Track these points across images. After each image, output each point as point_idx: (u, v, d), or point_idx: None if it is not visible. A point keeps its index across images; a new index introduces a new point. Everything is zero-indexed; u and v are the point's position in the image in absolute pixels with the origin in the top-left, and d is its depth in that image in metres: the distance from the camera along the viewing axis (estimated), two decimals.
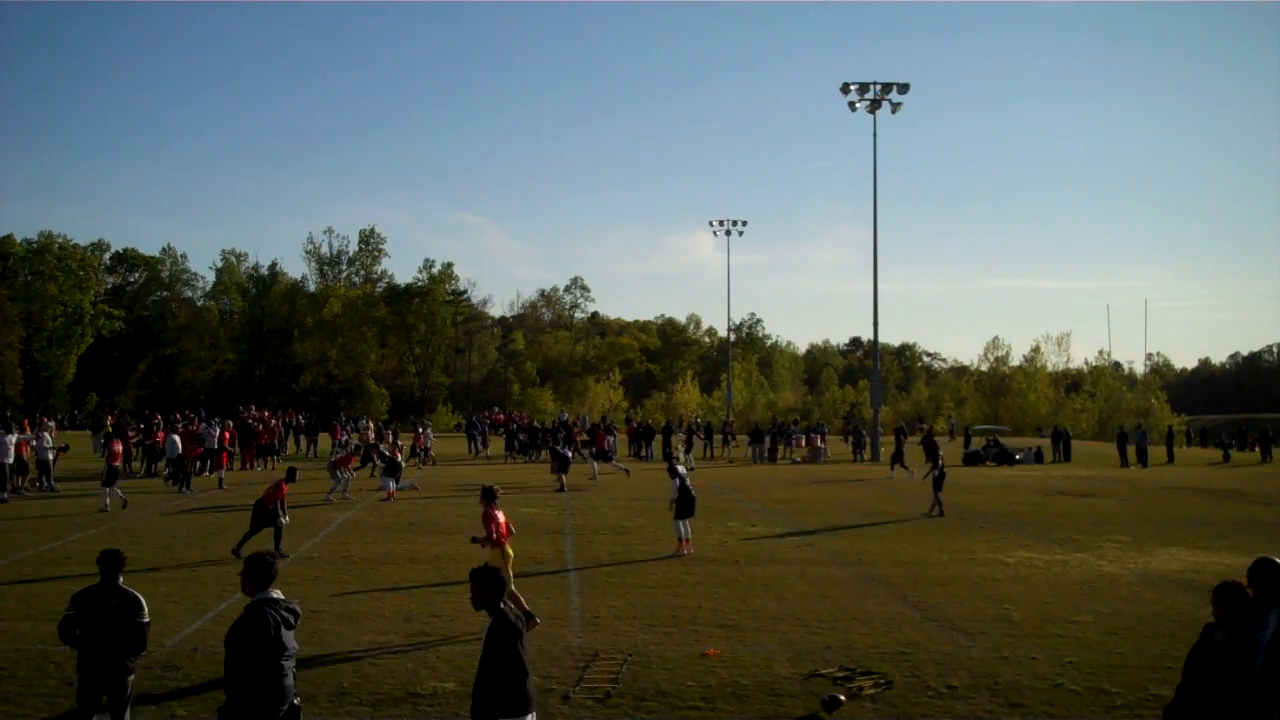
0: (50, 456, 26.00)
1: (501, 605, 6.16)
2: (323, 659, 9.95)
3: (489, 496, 12.11)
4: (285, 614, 6.30)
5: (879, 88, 45.06)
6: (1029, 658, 10.18)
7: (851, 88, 45.08)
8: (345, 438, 39.01)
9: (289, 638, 6.26)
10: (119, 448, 24.02)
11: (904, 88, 45.31)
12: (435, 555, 16.13)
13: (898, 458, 31.78)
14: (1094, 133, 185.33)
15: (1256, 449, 48.27)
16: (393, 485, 24.18)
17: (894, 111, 45.39)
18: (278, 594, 6.38)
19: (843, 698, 8.68)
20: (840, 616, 11.97)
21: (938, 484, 21.65)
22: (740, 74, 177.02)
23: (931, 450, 22.11)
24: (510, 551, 11.88)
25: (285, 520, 16.28)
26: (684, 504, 16.42)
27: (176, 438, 28.46)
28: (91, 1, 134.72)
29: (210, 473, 30.17)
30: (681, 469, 17.71)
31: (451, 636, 10.91)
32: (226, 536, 17.80)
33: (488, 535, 11.74)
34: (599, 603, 12.67)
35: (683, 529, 16.33)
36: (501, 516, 11.89)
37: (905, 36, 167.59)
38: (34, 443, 25.94)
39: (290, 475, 17.47)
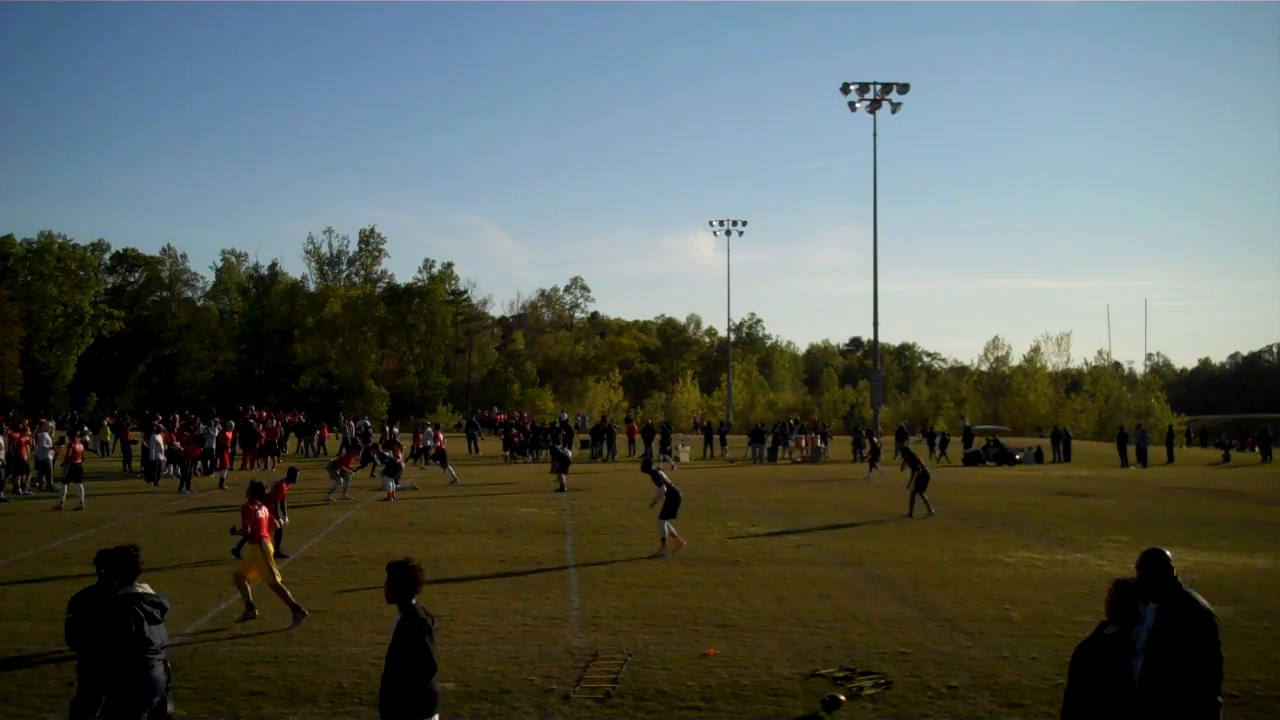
0: (50, 456, 26.01)
1: (414, 601, 6.13)
2: (323, 659, 9.95)
3: (255, 492, 12.25)
4: (150, 608, 6.31)
5: (879, 88, 45.11)
6: (1029, 658, 10.18)
7: (851, 88, 45.12)
8: (346, 437, 38.97)
9: (155, 631, 6.27)
10: (80, 446, 24.52)
11: (904, 88, 45.35)
12: (435, 555, 16.12)
13: (875, 458, 32.22)
14: (1094, 133, 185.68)
15: (1256, 449, 48.28)
16: (392, 485, 24.19)
17: (894, 111, 45.46)
18: (145, 588, 6.40)
19: (843, 698, 8.67)
20: (840, 616, 11.97)
21: (920, 486, 21.59)
22: (740, 74, 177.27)
23: (910, 460, 22.21)
24: (270, 547, 11.90)
25: (285, 521, 16.28)
26: (672, 505, 16.47)
27: (159, 438, 28.52)
28: (91, 1, 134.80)
29: (210, 473, 30.20)
30: (665, 473, 17.81)
31: (451, 636, 10.90)
32: (226, 537, 17.79)
33: (244, 529, 11.82)
34: (599, 603, 12.67)
35: (668, 528, 16.32)
36: (264, 513, 11.91)
37: (905, 36, 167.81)
38: (33, 443, 25.95)
39: (291, 476, 17.48)
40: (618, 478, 29.81)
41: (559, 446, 29.54)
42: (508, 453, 40.36)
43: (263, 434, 34.31)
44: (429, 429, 40.47)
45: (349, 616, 11.83)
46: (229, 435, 31.64)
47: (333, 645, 10.51)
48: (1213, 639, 5.32)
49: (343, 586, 13.65)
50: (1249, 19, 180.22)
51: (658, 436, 41.96)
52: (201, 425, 32.92)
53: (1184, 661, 5.21)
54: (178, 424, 33.91)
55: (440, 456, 32.55)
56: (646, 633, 11.15)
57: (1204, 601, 5.48)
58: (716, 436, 44.55)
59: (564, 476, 26.49)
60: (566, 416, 53.27)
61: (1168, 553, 5.65)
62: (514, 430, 42.06)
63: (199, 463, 30.75)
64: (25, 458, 25.34)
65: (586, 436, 44.92)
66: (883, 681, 9.28)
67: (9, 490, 24.43)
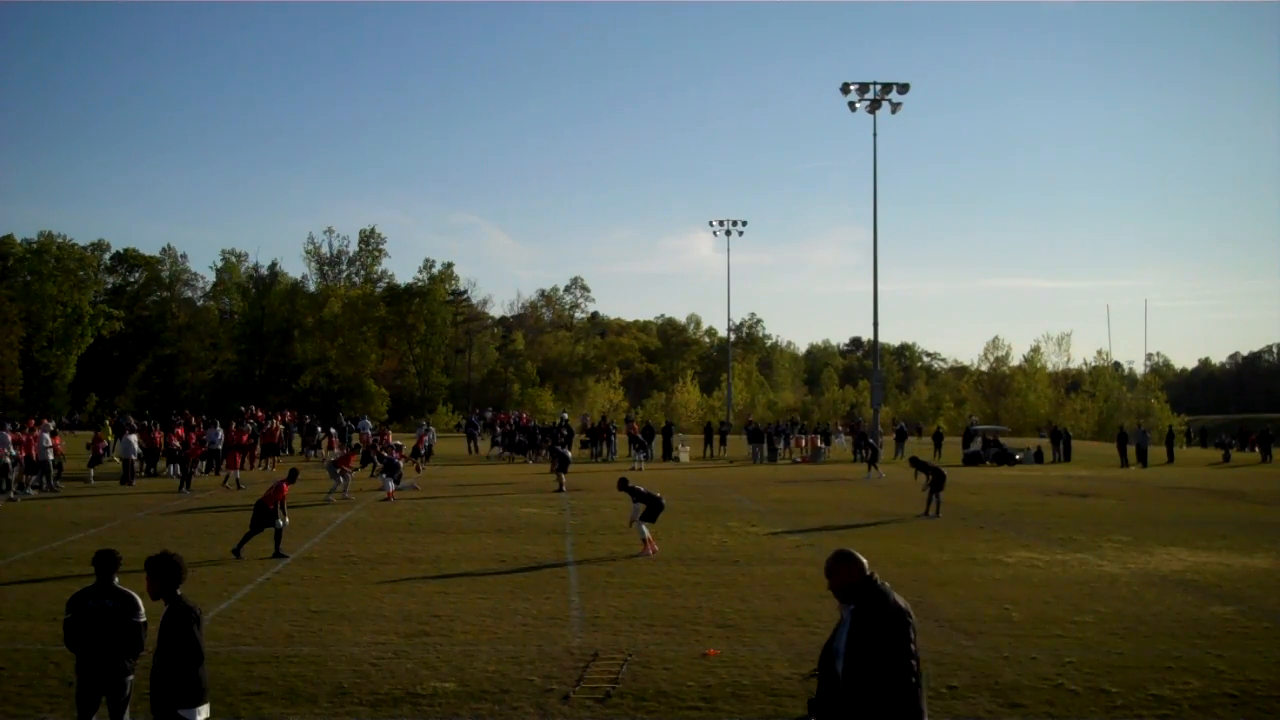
0: (50, 456, 26.01)
1: (179, 593, 6.18)
2: (323, 659, 9.95)
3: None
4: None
5: (879, 88, 45.09)
6: (1029, 658, 10.18)
7: (851, 88, 45.10)
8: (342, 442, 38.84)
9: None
10: (58, 441, 25.28)
11: (904, 88, 45.33)
12: (435, 555, 16.13)
13: (874, 459, 32.22)
14: (1094, 133, 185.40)
15: (1256, 449, 48.30)
16: (392, 485, 24.19)
17: (894, 111, 45.43)
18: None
19: None
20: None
21: (937, 487, 21.64)
22: (740, 74, 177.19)
23: (922, 467, 22.26)
24: None
25: (285, 522, 16.28)
26: (652, 510, 16.54)
27: (133, 439, 28.59)
28: (91, 1, 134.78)
29: (213, 473, 30.22)
30: (634, 480, 18.27)
31: (451, 636, 10.91)
32: (226, 536, 17.79)
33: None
34: (599, 603, 12.67)
35: (645, 531, 16.36)
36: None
37: (905, 36, 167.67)
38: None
39: (291, 476, 17.48)
40: (618, 478, 29.75)
41: (559, 446, 29.53)
42: (495, 447, 40.64)
43: (263, 434, 34.29)
44: (425, 428, 40.55)
45: (349, 616, 11.83)
46: (244, 436, 31.67)
47: (333, 645, 10.50)
48: (904, 637, 5.23)
49: (343, 586, 13.65)
50: (1249, 19, 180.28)
51: (658, 436, 42.05)
52: (204, 426, 32.92)
53: (878, 663, 5.18)
54: (193, 422, 33.80)
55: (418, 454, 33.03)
56: (646, 633, 11.15)
57: (898, 599, 5.39)
58: (716, 436, 44.56)
59: (564, 476, 26.50)
60: (567, 416, 53.21)
61: (855, 553, 5.58)
62: (504, 426, 42.14)
63: (200, 462, 30.77)
64: (34, 457, 25.37)
65: (586, 437, 44.92)
66: None
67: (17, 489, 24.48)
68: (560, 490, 25.63)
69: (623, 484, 17.54)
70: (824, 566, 5.69)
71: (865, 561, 5.55)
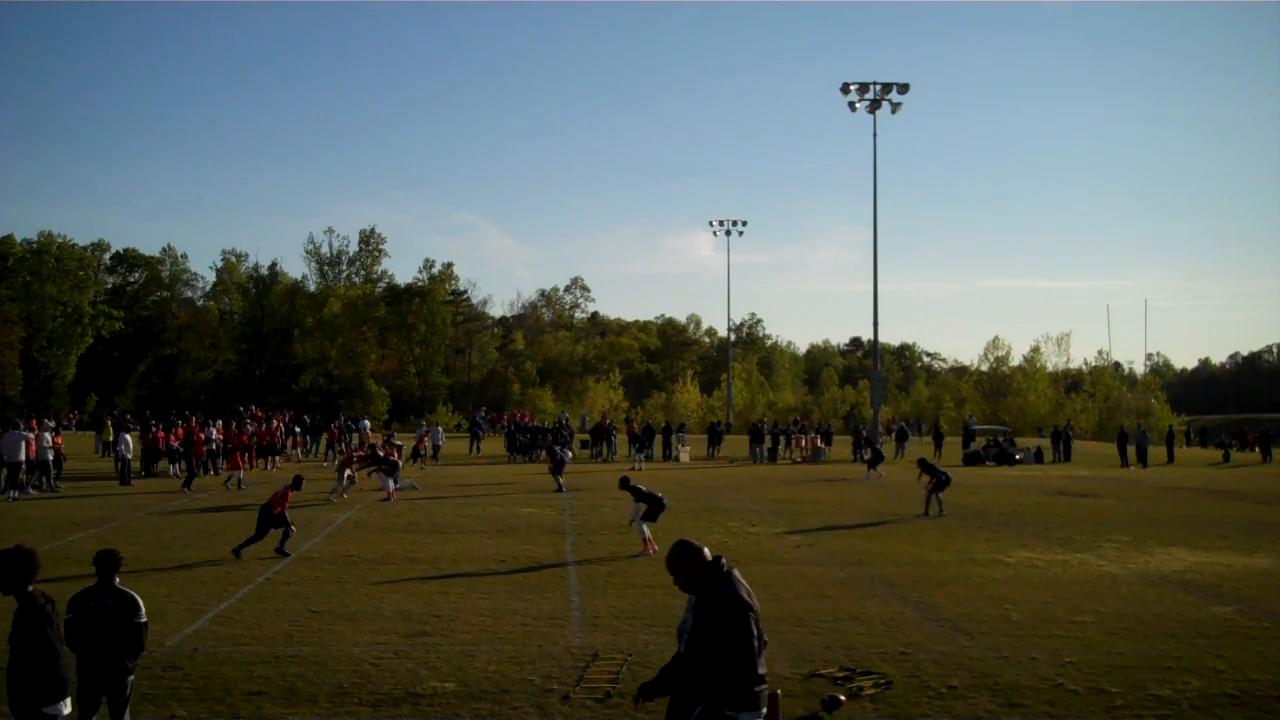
0: (50, 456, 26.01)
1: (30, 589, 6.11)
2: (323, 659, 9.95)
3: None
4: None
5: (879, 88, 45.11)
6: (1029, 658, 10.18)
7: (851, 88, 45.13)
8: (344, 440, 38.86)
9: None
10: (58, 441, 25.71)
11: (904, 88, 45.36)
12: (435, 555, 16.13)
13: (875, 461, 32.16)
14: (1093, 133, 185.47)
15: (1256, 449, 48.30)
16: (392, 485, 24.19)
17: (894, 111, 45.46)
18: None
19: (843, 698, 8.67)
20: (840, 616, 11.97)
21: (939, 488, 21.64)
22: (740, 74, 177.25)
23: (929, 470, 22.28)
24: None
25: (293, 529, 16.38)
26: (654, 510, 16.57)
27: (127, 438, 28.62)
28: (91, 1, 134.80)
29: (213, 473, 30.23)
30: (636, 479, 18.45)
31: (451, 636, 10.91)
32: (226, 536, 17.80)
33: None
34: (599, 603, 12.66)
35: (646, 531, 16.35)
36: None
37: (905, 36, 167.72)
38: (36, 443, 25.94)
39: (296, 483, 17.51)
40: (618, 478, 29.76)
41: (556, 446, 29.48)
42: (472, 441, 42.23)
43: (263, 434, 34.29)
44: (425, 428, 40.55)
45: (349, 616, 11.83)
46: (243, 437, 31.75)
47: (333, 645, 10.50)
48: (739, 628, 5.29)
49: (343, 586, 13.64)
50: (1249, 19, 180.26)
51: (658, 436, 42.06)
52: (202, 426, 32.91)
53: (713, 651, 5.29)
54: (194, 421, 33.78)
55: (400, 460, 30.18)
56: (646, 633, 11.14)
57: (739, 590, 5.42)
58: (717, 436, 44.61)
59: (560, 477, 26.39)
60: (568, 416, 53.23)
61: (694, 545, 5.59)
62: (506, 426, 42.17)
63: (201, 463, 30.77)
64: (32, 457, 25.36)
65: (586, 436, 44.94)
66: (883, 681, 9.28)
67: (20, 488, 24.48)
68: (559, 490, 25.61)
69: (624, 483, 17.55)
70: (665, 557, 5.71)
71: (706, 552, 5.57)
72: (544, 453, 30.76)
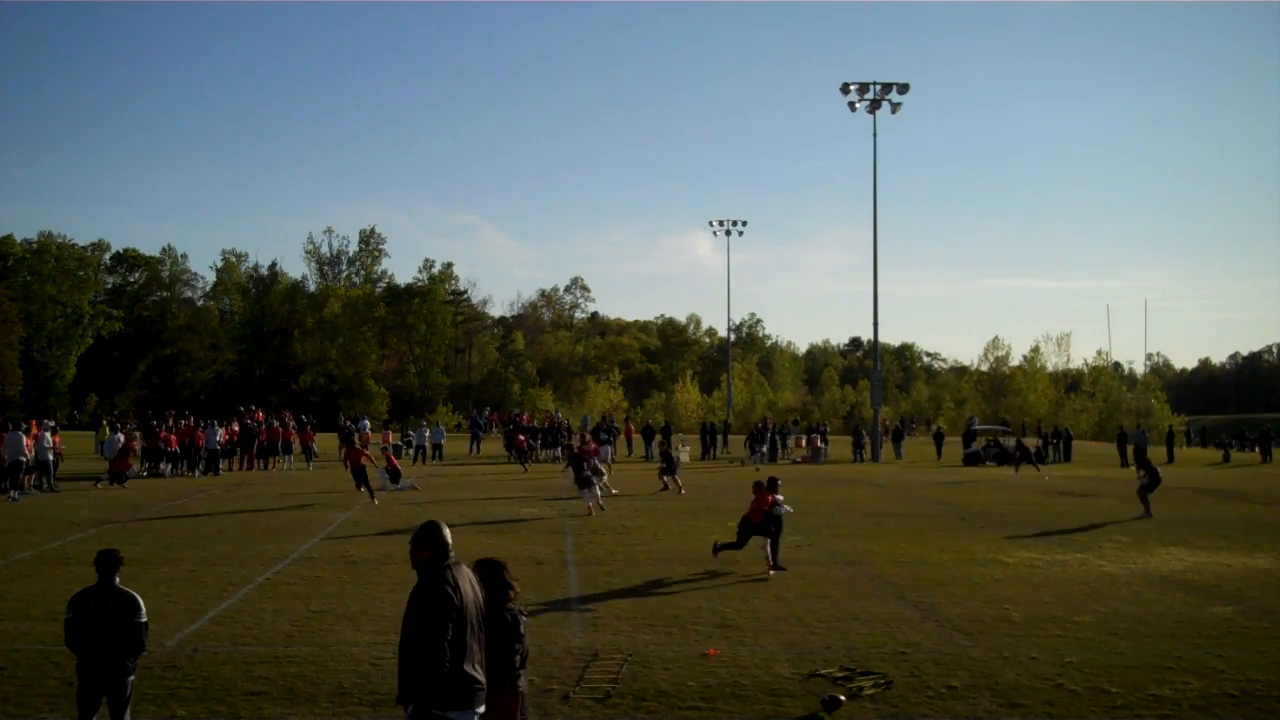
0: (50, 456, 26.01)
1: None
2: (323, 659, 9.95)
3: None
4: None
5: (879, 88, 45.09)
6: (1029, 658, 10.18)
7: (851, 88, 45.11)
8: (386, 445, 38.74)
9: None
10: (57, 441, 25.80)
11: (904, 88, 45.34)
12: None
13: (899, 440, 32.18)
14: (1093, 133, 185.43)
15: (1256, 449, 48.30)
16: (391, 485, 24.19)
17: (894, 111, 45.43)
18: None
19: (843, 698, 8.67)
20: (840, 616, 11.97)
21: (1149, 488, 21.83)
22: (740, 74, 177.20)
23: (1145, 465, 22.47)
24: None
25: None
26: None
27: (119, 437, 28.64)
28: (91, 1, 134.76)
29: (212, 473, 30.26)
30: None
31: None
32: (227, 536, 17.83)
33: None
34: (599, 603, 12.67)
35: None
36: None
37: (905, 36, 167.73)
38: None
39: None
40: (618, 478, 29.77)
41: (584, 458, 28.67)
42: (472, 442, 42.68)
43: (263, 434, 34.32)
44: (425, 428, 40.54)
45: (349, 616, 11.83)
46: (263, 434, 32.36)
47: (333, 645, 10.50)
48: (434, 620, 5.28)
49: (343, 587, 13.64)
50: (1249, 19, 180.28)
51: (658, 437, 42.05)
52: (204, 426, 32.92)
53: (412, 634, 5.34)
54: (189, 422, 33.82)
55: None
56: (646, 633, 11.14)
57: (447, 586, 5.40)
58: (719, 437, 44.66)
59: (590, 492, 22.30)
60: (561, 415, 53.07)
61: (435, 531, 5.59)
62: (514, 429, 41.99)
63: (202, 462, 30.83)
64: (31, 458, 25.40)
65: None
66: (883, 681, 9.28)
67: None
68: (589, 514, 21.26)
69: (771, 485, 15.59)
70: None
71: (443, 542, 5.55)
72: (567, 465, 25.46)
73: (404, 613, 5.46)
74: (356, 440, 20.21)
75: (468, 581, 5.56)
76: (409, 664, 5.34)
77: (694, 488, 27.86)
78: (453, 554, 5.56)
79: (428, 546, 5.54)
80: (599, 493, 21.80)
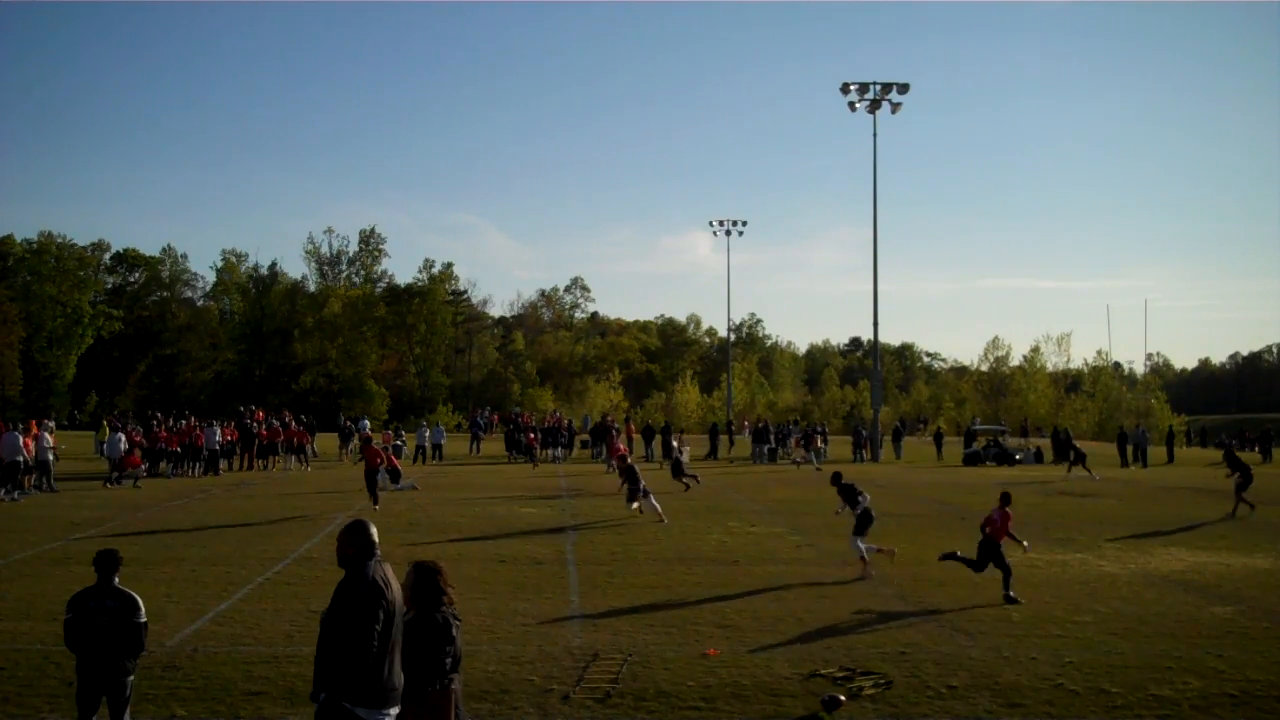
0: (50, 456, 26.00)
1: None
2: None
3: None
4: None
5: (879, 88, 45.09)
6: (1029, 658, 10.18)
7: (851, 88, 45.11)
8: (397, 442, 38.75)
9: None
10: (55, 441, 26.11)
11: (904, 88, 45.34)
12: (435, 555, 16.07)
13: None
14: (1093, 133, 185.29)
15: (1256, 449, 48.30)
16: (392, 485, 24.17)
17: (894, 111, 45.43)
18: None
19: (843, 698, 8.67)
20: (840, 616, 11.97)
21: (1242, 486, 22.04)
22: (740, 74, 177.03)
23: (1233, 461, 22.63)
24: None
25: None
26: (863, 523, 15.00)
27: (120, 436, 28.62)
28: (91, 1, 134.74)
29: (212, 473, 30.25)
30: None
31: None
32: (227, 536, 17.83)
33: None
34: (599, 603, 12.67)
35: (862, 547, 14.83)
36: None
37: (905, 36, 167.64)
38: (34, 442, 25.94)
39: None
40: (617, 477, 29.76)
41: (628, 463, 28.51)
42: (472, 441, 42.82)
43: (263, 434, 34.31)
44: (424, 429, 40.54)
45: None
46: (264, 433, 32.51)
47: None
48: (360, 615, 5.36)
49: None
50: (1249, 19, 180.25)
51: (658, 437, 42.06)
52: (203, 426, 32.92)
53: (335, 629, 5.39)
54: (189, 421, 33.83)
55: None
56: (646, 633, 11.15)
57: (364, 585, 5.48)
58: (724, 437, 44.69)
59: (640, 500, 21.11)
60: (561, 414, 53.05)
61: (361, 530, 5.69)
62: (514, 429, 42.01)
63: (200, 463, 30.81)
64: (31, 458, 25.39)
65: (586, 437, 44.94)
66: (883, 681, 9.28)
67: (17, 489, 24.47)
68: (660, 519, 20.12)
69: (836, 479, 15.47)
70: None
71: (370, 540, 5.64)
72: (621, 479, 21.97)
73: (327, 607, 5.51)
74: (375, 441, 19.91)
75: (391, 580, 5.64)
76: (328, 657, 5.39)
77: (693, 487, 27.85)
78: (378, 552, 5.65)
79: (354, 544, 5.64)
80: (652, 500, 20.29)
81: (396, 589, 5.61)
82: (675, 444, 35.93)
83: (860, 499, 14.93)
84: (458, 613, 6.14)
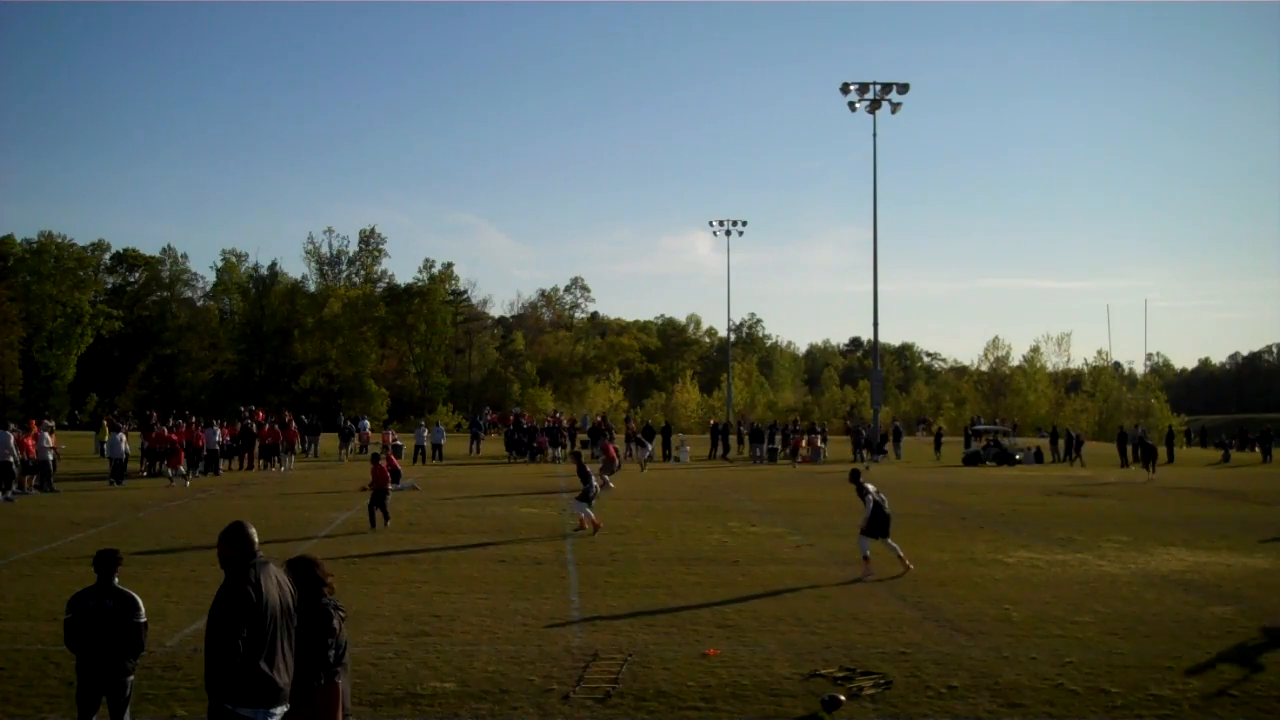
0: (50, 457, 26.00)
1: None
2: None
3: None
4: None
5: (879, 88, 45.12)
6: (1029, 658, 10.18)
7: (851, 88, 45.14)
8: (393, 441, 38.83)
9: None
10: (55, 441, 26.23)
11: (904, 88, 45.37)
12: (435, 555, 16.14)
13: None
14: (1093, 133, 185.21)
15: (1256, 449, 48.30)
16: (392, 485, 24.15)
17: (894, 111, 45.47)
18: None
19: (843, 698, 8.67)
20: (840, 616, 11.97)
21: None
22: (740, 74, 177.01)
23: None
24: None
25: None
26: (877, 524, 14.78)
27: (121, 437, 28.59)
28: (91, 1, 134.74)
29: (212, 473, 30.23)
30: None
31: (451, 636, 10.91)
32: None
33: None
34: (599, 603, 12.67)
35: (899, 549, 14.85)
36: None
37: (905, 36, 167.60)
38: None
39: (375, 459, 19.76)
40: (617, 477, 29.77)
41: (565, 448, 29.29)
42: (472, 441, 43.07)
43: (264, 434, 34.28)
44: (424, 429, 40.50)
45: (349, 616, 11.79)
46: (264, 432, 32.79)
47: None
48: (224, 618, 5.41)
49: (343, 587, 13.60)
50: (1249, 19, 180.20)
51: (658, 436, 42.08)
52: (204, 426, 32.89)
53: (209, 628, 5.49)
54: (192, 422, 33.78)
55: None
56: (646, 633, 11.15)
57: (265, 583, 5.55)
58: (732, 436, 44.70)
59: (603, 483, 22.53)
60: (560, 415, 52.96)
61: (240, 533, 5.70)
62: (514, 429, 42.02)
63: (201, 463, 30.77)
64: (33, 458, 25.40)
65: (585, 436, 44.90)
66: (883, 681, 9.28)
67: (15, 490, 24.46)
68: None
69: (854, 476, 15.37)
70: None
71: (248, 541, 5.68)
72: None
73: (211, 606, 5.58)
74: (384, 458, 19.12)
75: (273, 581, 5.67)
76: (207, 659, 5.48)
77: (696, 487, 27.88)
78: (259, 554, 5.71)
79: (233, 546, 5.68)
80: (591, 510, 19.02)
81: (277, 589, 5.65)
82: (637, 442, 36.00)
83: (867, 497, 14.86)
84: (340, 603, 6.15)
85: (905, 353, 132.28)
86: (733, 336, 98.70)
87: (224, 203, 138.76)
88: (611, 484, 25.97)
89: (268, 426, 34.53)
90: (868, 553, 14.55)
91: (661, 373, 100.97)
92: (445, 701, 8.75)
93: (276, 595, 5.60)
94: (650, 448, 37.56)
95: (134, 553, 14.89)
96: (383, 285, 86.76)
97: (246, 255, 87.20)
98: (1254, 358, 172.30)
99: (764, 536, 18.60)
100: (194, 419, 34.44)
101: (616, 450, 27.86)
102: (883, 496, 14.90)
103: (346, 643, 6.06)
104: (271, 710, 5.45)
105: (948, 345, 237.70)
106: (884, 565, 15.38)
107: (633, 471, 32.41)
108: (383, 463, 19.70)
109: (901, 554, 14.70)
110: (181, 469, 28.14)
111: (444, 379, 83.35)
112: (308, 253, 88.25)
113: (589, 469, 19.45)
